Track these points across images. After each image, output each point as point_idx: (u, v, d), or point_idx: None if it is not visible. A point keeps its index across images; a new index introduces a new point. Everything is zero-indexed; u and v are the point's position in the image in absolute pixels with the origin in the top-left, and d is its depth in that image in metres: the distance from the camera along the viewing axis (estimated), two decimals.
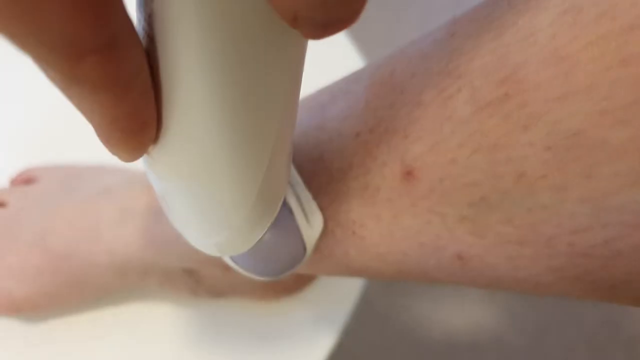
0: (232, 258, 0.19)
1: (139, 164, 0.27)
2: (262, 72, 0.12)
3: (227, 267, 0.23)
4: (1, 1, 0.08)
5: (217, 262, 0.22)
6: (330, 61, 0.39)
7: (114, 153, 0.12)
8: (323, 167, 0.17)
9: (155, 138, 0.13)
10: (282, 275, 0.19)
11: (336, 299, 0.31)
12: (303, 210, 0.18)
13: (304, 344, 0.29)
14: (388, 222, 0.16)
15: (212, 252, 0.17)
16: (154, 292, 0.29)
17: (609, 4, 0.12)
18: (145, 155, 0.14)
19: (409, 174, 0.15)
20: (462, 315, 0.81)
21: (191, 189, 0.15)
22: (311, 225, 0.18)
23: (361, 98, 0.16)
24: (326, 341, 0.30)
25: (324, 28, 0.10)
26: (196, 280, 0.26)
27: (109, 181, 0.26)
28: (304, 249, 0.18)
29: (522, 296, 0.82)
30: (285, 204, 0.18)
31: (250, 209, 0.15)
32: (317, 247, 0.18)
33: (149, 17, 0.11)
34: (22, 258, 0.25)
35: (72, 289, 0.26)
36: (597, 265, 0.13)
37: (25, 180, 0.29)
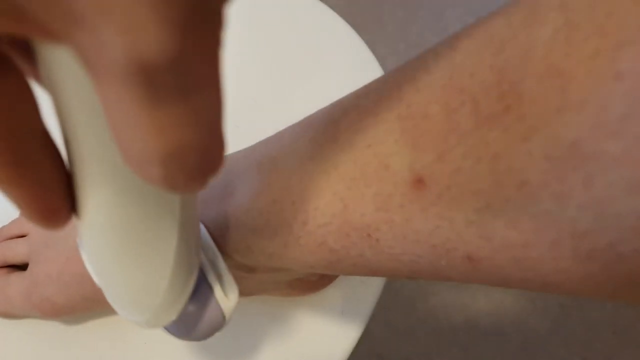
0: None
1: None
2: (144, 199, 0.14)
3: (251, 269, 0.24)
4: None
5: (241, 266, 0.24)
6: (344, 62, 0.39)
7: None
8: (337, 176, 0.18)
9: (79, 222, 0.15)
10: (204, 339, 0.22)
11: (360, 292, 0.32)
12: (221, 284, 0.21)
13: (329, 335, 0.31)
14: (401, 226, 0.17)
15: (143, 327, 0.20)
16: None
17: (602, 21, 0.12)
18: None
19: (418, 182, 0.16)
20: (484, 300, 0.82)
21: (111, 275, 0.17)
22: (229, 297, 0.21)
23: (370, 112, 0.17)
24: (351, 333, 0.31)
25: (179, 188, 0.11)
26: None
27: None
28: (223, 318, 0.21)
29: None
30: (205, 280, 0.21)
31: (165, 295, 0.18)
32: (333, 249, 0.19)
33: (67, 143, 0.13)
34: (60, 266, 0.27)
35: None
36: (600, 268, 0.14)
37: None
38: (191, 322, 0.21)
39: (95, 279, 0.18)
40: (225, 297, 0.21)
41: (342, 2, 1.15)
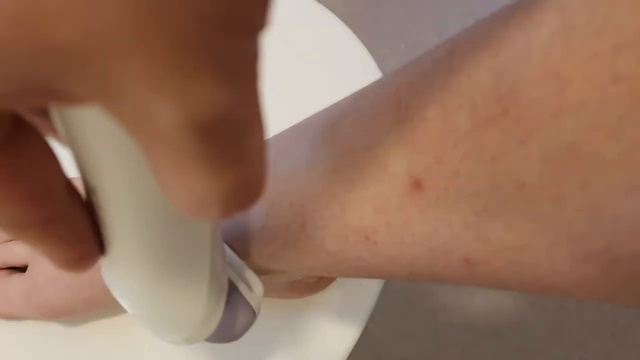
0: None
1: None
2: (178, 230, 0.15)
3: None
4: None
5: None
6: (342, 65, 0.39)
7: None
8: (336, 179, 0.18)
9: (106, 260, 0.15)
10: (240, 337, 0.23)
11: (359, 293, 0.32)
12: (246, 283, 0.21)
13: (328, 336, 0.31)
14: (399, 228, 0.17)
15: (182, 345, 0.20)
16: None
17: (600, 24, 0.12)
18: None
19: (417, 184, 0.16)
20: (483, 300, 0.82)
21: (148, 306, 0.17)
22: (254, 291, 0.21)
23: (369, 114, 0.17)
24: (350, 334, 0.31)
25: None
26: None
27: None
28: (254, 313, 0.22)
29: None
30: (230, 284, 0.21)
31: (204, 311, 0.18)
32: (331, 251, 0.19)
33: (92, 191, 0.13)
34: None
35: (109, 296, 0.27)
36: (597, 270, 0.14)
37: None
38: (226, 326, 0.21)
39: (130, 310, 0.18)
40: (251, 291, 0.21)
41: (342, 2, 1.15)
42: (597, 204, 0.13)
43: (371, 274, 0.20)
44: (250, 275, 0.21)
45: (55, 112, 0.11)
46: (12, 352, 0.29)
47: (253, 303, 0.21)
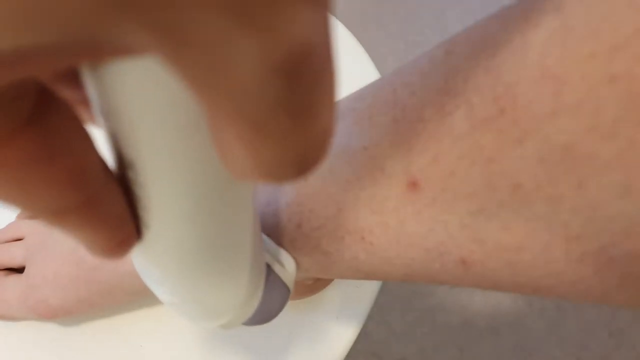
0: None
1: None
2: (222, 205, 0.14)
3: None
4: None
5: None
6: (341, 65, 0.39)
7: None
8: (332, 179, 0.18)
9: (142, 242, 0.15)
10: (275, 317, 0.22)
11: (357, 293, 0.32)
12: (278, 260, 0.20)
13: (326, 336, 0.31)
14: (395, 229, 0.17)
15: (219, 330, 0.20)
16: None
17: (597, 25, 0.12)
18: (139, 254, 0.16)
19: (413, 185, 0.16)
20: (481, 300, 0.82)
21: (188, 292, 0.16)
22: (287, 268, 0.21)
23: (366, 115, 0.17)
24: (348, 334, 0.31)
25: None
26: None
27: None
28: (288, 289, 0.21)
29: None
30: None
31: (245, 294, 0.17)
32: (327, 252, 0.19)
33: (130, 167, 0.12)
34: (56, 268, 0.27)
35: (105, 296, 0.27)
36: (592, 271, 0.14)
37: None
38: (263, 307, 0.21)
39: (165, 298, 0.17)
40: (284, 269, 0.20)
41: (343, 2, 1.15)
42: (592, 205, 0.13)
43: (367, 275, 0.20)
44: (281, 253, 0.20)
45: (89, 74, 0.10)
46: (9, 353, 0.29)
47: (287, 281, 0.21)
